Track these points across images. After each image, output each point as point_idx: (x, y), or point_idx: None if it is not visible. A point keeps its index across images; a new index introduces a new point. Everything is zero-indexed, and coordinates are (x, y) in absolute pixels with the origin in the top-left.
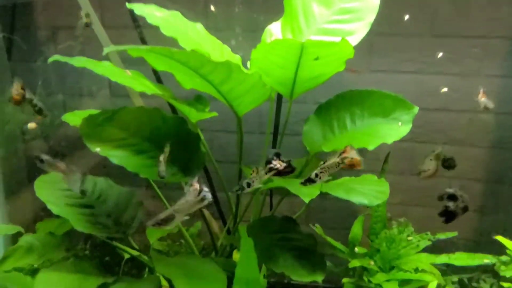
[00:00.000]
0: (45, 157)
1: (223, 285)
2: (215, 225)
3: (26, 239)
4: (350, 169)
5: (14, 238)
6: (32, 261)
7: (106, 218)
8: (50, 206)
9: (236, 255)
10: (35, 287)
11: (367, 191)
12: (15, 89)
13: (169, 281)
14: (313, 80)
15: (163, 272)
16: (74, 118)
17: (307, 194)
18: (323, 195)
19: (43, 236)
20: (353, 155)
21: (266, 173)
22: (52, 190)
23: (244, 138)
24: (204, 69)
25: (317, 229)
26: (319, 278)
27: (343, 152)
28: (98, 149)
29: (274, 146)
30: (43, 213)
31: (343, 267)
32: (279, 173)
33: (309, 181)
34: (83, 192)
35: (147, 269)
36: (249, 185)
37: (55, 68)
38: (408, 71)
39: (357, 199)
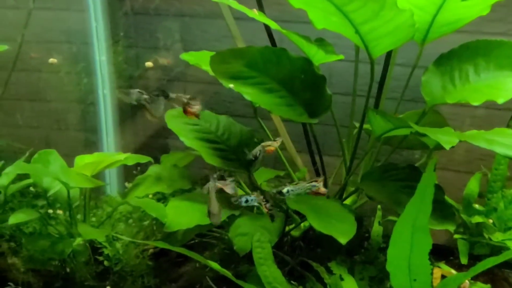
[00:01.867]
0: (166, 93)
1: (352, 226)
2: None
3: (154, 169)
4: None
5: (128, 171)
6: (161, 189)
7: (231, 154)
8: (182, 138)
9: (347, 201)
10: (168, 211)
11: (510, 144)
12: (195, 105)
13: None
14: (450, 25)
15: (295, 208)
16: (190, 58)
17: (447, 141)
18: None
19: (169, 167)
20: (321, 187)
21: (306, 187)
22: (181, 124)
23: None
24: (351, 6)
25: None
26: (451, 228)
27: (315, 180)
28: (231, 85)
29: (376, 106)
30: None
31: None
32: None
33: (280, 193)
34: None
35: (255, 208)
36: (288, 192)
37: (136, 21)
38: (496, 32)
39: (501, 150)
